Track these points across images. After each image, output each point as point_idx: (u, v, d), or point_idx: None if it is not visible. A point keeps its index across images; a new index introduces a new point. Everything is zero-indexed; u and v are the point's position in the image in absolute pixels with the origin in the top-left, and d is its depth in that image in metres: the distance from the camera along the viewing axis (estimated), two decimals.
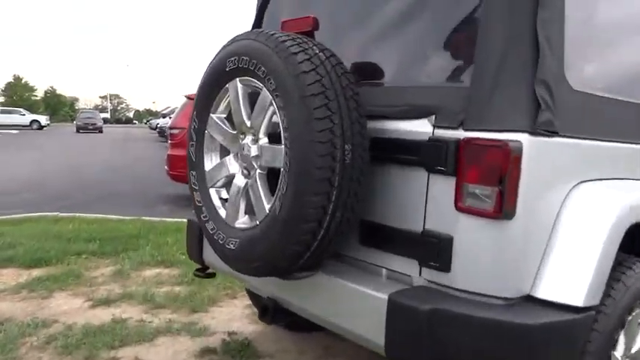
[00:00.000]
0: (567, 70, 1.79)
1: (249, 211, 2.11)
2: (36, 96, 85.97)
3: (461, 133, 1.74)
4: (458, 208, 1.73)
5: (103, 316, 3.74)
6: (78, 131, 39.82)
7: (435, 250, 1.80)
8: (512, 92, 1.70)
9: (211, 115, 2.25)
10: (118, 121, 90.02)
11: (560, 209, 1.78)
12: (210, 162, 2.30)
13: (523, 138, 1.65)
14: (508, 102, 1.69)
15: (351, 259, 2.14)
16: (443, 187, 1.79)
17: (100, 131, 40.57)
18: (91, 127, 40.71)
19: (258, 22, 2.80)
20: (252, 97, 2.06)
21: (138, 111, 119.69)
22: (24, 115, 45.59)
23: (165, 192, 9.98)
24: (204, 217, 2.25)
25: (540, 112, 1.68)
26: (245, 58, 1.99)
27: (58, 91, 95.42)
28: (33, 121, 44.30)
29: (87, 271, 4.75)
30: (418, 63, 2.09)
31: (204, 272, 2.83)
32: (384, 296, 1.80)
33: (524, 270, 1.72)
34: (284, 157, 1.85)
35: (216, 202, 2.24)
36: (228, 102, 2.18)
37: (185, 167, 2.39)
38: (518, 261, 1.70)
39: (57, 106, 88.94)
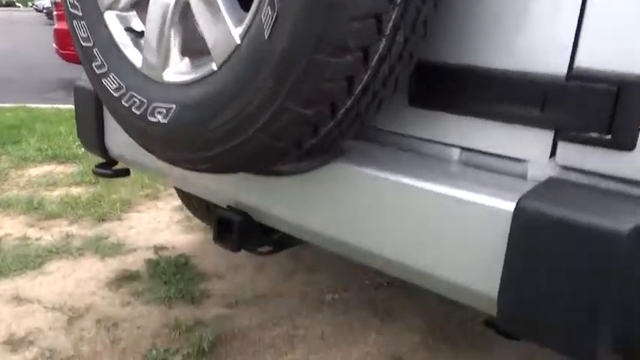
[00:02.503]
0: None
1: (192, 50, 1.07)
2: None
3: None
4: None
5: None
6: None
7: (598, 108, 0.87)
8: None
9: None
10: None
11: None
12: None
13: None
14: None
15: (386, 133, 1.17)
16: None
17: None
18: None
19: None
20: None
21: None
22: None
23: (60, 76, 8.48)
24: (98, 68, 1.18)
25: None
26: None
27: None
28: None
29: None
30: None
31: (111, 169, 1.77)
32: (507, 205, 0.87)
33: None
34: None
35: (121, 39, 1.17)
36: None
37: None
38: None
39: None
